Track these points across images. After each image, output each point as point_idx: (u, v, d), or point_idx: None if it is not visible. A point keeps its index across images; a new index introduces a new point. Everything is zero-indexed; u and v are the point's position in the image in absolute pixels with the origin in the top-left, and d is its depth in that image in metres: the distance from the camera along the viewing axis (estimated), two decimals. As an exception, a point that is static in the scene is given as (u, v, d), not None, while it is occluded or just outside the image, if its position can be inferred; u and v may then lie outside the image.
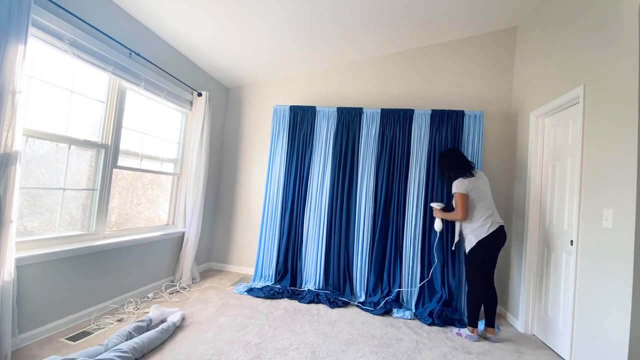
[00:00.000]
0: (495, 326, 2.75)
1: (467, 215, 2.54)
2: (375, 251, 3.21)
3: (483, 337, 2.54)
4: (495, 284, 2.68)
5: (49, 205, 2.21)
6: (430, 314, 2.82)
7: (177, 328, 2.31)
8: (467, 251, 2.56)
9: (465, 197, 2.53)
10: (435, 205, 2.87)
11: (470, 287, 2.52)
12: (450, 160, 2.71)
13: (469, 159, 3.10)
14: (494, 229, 2.46)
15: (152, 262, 3.05)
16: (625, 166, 1.76)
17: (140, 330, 2.11)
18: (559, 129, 2.59)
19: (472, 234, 2.52)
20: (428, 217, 3.15)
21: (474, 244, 2.48)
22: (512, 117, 3.29)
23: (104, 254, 2.50)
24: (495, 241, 2.47)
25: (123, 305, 2.63)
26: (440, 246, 3.06)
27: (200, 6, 2.62)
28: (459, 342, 2.44)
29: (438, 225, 2.92)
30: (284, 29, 3.04)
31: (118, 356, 1.72)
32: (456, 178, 2.62)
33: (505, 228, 2.53)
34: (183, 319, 2.46)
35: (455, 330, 2.59)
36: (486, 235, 2.44)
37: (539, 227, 2.73)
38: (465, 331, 2.52)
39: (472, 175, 2.59)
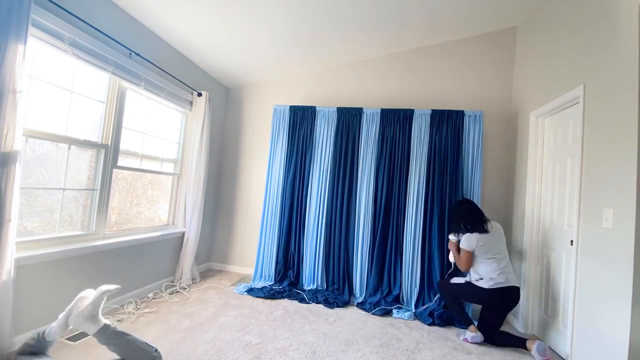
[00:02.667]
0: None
1: (468, 269, 2.54)
2: (376, 251, 3.21)
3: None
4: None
5: (49, 205, 2.21)
6: (431, 314, 2.82)
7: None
8: (469, 280, 2.49)
9: (469, 253, 2.49)
10: (452, 238, 2.71)
11: (445, 297, 2.60)
12: (462, 213, 2.60)
13: (469, 159, 3.11)
14: (500, 287, 2.35)
15: (152, 262, 3.04)
16: (626, 166, 1.76)
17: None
18: (559, 129, 2.59)
19: (479, 279, 2.45)
20: (428, 218, 3.15)
21: (478, 285, 2.41)
22: (512, 117, 3.29)
23: (104, 254, 2.49)
24: (499, 298, 2.36)
25: (123, 306, 2.63)
26: (440, 243, 3.06)
27: (200, 6, 2.62)
28: (458, 343, 2.44)
29: (452, 258, 2.79)
30: (284, 30, 3.04)
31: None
32: (467, 231, 2.52)
33: (519, 290, 2.41)
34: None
35: (462, 337, 2.48)
36: (490, 289, 2.36)
37: (539, 227, 2.73)
38: (469, 333, 2.45)
39: (485, 230, 2.48)
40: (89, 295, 1.77)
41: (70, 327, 1.73)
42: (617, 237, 1.78)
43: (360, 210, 3.29)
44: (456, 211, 2.68)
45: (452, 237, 2.72)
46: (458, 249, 2.62)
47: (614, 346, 1.75)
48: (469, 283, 2.52)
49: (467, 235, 2.50)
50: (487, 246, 2.45)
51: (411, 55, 3.62)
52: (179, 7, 2.60)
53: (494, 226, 2.56)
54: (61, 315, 1.72)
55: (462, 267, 2.55)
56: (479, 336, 2.39)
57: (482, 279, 2.42)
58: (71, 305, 1.73)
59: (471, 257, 2.49)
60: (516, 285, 2.40)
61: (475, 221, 2.51)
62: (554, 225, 2.55)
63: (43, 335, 1.71)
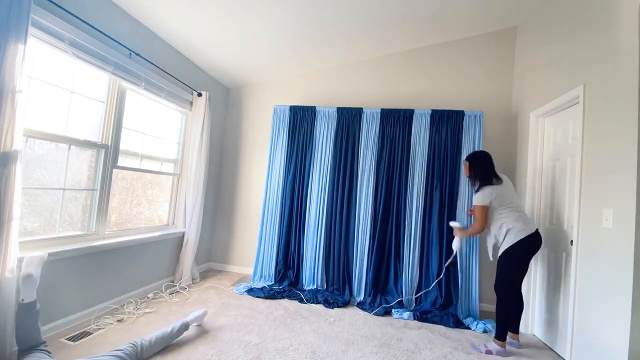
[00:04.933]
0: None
1: (485, 227, 2.40)
2: (375, 251, 3.20)
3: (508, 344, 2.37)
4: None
5: (49, 205, 2.21)
6: (424, 316, 2.83)
7: (189, 327, 2.29)
8: (500, 255, 2.33)
9: (485, 209, 2.34)
10: (456, 225, 2.71)
11: (501, 295, 2.31)
12: (479, 166, 2.46)
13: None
14: (521, 238, 2.24)
15: (152, 262, 3.05)
16: (625, 166, 1.76)
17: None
18: (559, 129, 2.59)
19: (508, 237, 2.28)
20: (427, 218, 3.15)
21: (508, 246, 2.26)
22: (512, 117, 3.29)
23: (104, 254, 2.49)
24: (528, 245, 2.25)
25: (123, 306, 2.63)
26: (438, 244, 3.06)
27: (200, 6, 2.62)
28: (458, 342, 2.44)
29: (456, 245, 2.75)
30: (284, 30, 3.04)
31: (115, 356, 1.71)
32: (480, 187, 2.39)
33: (539, 232, 2.34)
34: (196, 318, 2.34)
35: (484, 348, 2.30)
36: (516, 242, 2.24)
37: (539, 227, 2.73)
38: (495, 347, 2.28)
39: (497, 182, 2.37)
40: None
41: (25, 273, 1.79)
42: (617, 237, 1.78)
43: (360, 210, 3.29)
44: (474, 165, 2.49)
45: (454, 224, 2.71)
46: (464, 232, 2.62)
47: (614, 346, 1.75)
48: (500, 258, 2.32)
49: (481, 191, 2.37)
50: (501, 197, 2.32)
51: (411, 55, 3.62)
52: (179, 7, 2.60)
53: (504, 179, 2.43)
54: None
55: (477, 227, 2.38)
56: (504, 351, 2.27)
57: (507, 233, 2.27)
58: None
59: (486, 213, 2.35)
60: (537, 228, 2.32)
61: (489, 176, 2.38)
62: (554, 225, 2.55)
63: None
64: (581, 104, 2.17)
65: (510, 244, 2.26)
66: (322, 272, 3.33)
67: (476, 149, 3.09)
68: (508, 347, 2.34)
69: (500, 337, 2.29)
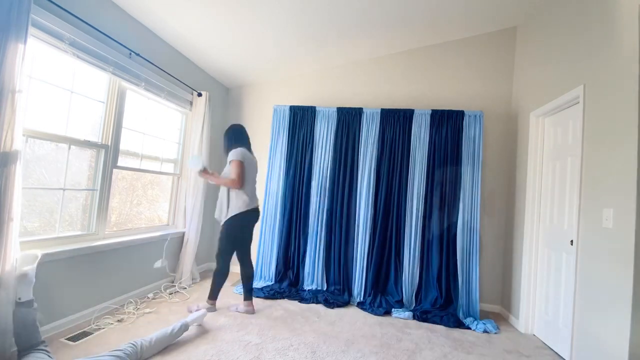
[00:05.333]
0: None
1: (240, 184, 2.52)
2: (375, 251, 3.20)
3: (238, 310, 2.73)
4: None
5: (49, 206, 2.21)
6: (424, 316, 2.83)
7: (188, 328, 2.28)
8: (225, 222, 2.59)
9: (241, 164, 2.51)
10: (194, 167, 2.65)
11: (220, 259, 2.66)
12: (233, 134, 2.70)
13: (469, 159, 3.11)
14: (252, 207, 2.62)
15: (152, 262, 3.04)
16: (625, 166, 1.76)
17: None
18: (559, 129, 2.59)
19: (235, 206, 2.54)
20: (427, 218, 3.15)
21: (232, 216, 2.55)
22: (512, 117, 3.29)
23: (104, 254, 2.49)
24: (252, 218, 2.66)
25: (123, 306, 2.63)
26: (438, 244, 3.07)
27: (201, 6, 2.62)
28: (459, 342, 2.44)
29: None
30: (284, 30, 3.04)
31: (114, 356, 1.71)
32: (234, 146, 2.61)
33: (258, 211, 2.74)
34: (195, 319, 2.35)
35: (195, 307, 2.66)
36: (245, 210, 2.56)
37: (539, 227, 2.73)
38: (206, 304, 2.68)
39: (249, 151, 2.69)
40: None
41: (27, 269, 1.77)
42: (617, 237, 1.78)
43: (360, 211, 3.29)
44: (228, 135, 2.72)
45: (194, 167, 2.68)
46: (217, 179, 2.62)
47: (614, 346, 1.75)
48: (223, 226, 2.60)
49: (237, 149, 2.56)
50: (247, 166, 2.58)
51: (411, 55, 3.62)
52: (179, 7, 2.60)
53: (254, 160, 2.74)
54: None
55: (235, 180, 2.48)
56: (214, 308, 2.69)
57: (244, 200, 2.56)
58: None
59: (243, 168, 2.51)
60: (257, 206, 2.70)
61: (244, 141, 2.69)
62: (554, 225, 2.55)
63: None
64: (581, 104, 2.17)
65: (233, 214, 2.54)
66: (322, 272, 3.33)
67: (476, 149, 3.10)
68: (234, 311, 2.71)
69: (210, 297, 2.69)
